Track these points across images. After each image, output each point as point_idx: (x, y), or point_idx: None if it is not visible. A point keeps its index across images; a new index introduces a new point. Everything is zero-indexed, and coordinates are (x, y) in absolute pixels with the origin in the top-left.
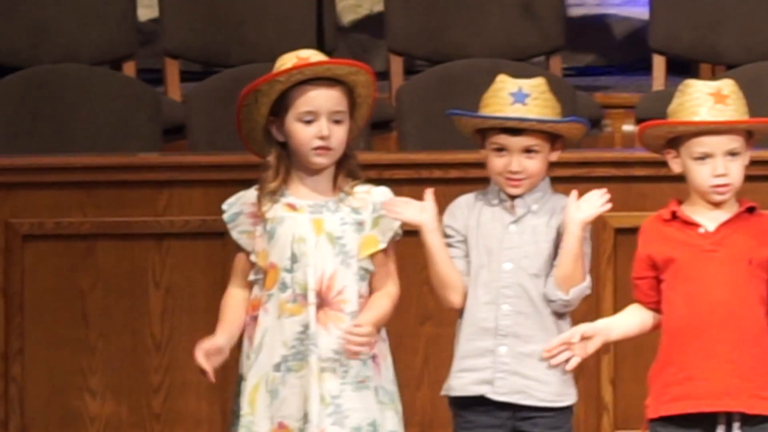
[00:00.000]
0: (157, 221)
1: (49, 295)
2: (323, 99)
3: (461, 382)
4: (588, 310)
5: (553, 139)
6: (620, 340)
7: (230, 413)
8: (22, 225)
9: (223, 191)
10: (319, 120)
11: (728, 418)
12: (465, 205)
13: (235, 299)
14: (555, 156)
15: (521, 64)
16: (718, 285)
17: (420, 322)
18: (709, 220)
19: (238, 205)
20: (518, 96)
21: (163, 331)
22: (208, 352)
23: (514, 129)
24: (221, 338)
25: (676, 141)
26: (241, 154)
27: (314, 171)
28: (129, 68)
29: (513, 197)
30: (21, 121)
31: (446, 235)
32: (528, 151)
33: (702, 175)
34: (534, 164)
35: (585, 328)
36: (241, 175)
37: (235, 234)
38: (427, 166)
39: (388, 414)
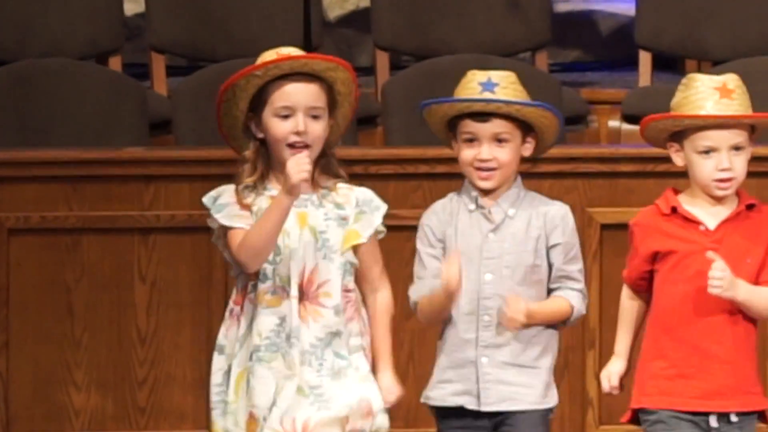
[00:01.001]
0: (143, 215)
1: (35, 289)
2: (300, 94)
3: (441, 393)
4: None
5: (525, 130)
6: (607, 337)
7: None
8: (8, 219)
9: (209, 186)
10: (295, 115)
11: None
12: (441, 210)
13: None
14: (527, 150)
15: (507, 59)
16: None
17: (405, 317)
18: (710, 216)
19: (225, 197)
20: (487, 85)
21: (149, 325)
22: None
23: (483, 115)
24: None
25: (679, 134)
26: (227, 149)
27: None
28: (115, 63)
29: (486, 194)
30: (7, 116)
31: (425, 235)
32: (498, 140)
33: (706, 169)
34: (504, 153)
35: (615, 378)
36: (227, 169)
37: (226, 220)
38: (412, 161)
39: (373, 387)
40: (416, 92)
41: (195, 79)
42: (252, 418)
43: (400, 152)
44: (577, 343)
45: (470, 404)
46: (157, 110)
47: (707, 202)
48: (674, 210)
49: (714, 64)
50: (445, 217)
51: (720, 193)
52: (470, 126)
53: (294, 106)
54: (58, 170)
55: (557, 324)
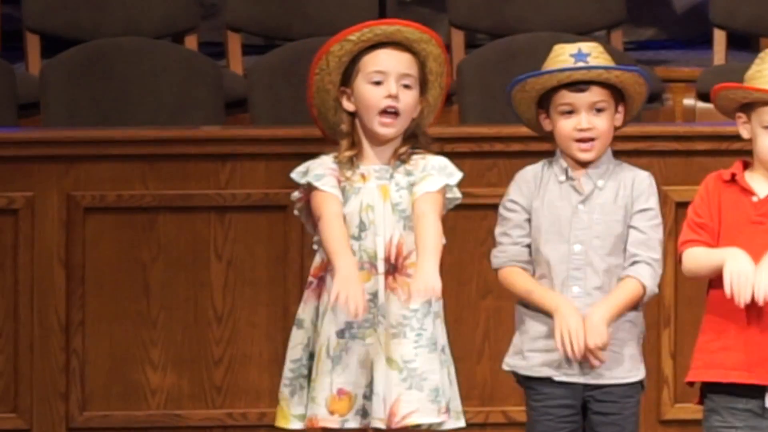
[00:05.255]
0: (219, 194)
1: (111, 268)
2: (393, 60)
3: (530, 363)
4: None
5: (617, 99)
6: (682, 315)
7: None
8: (84, 197)
9: (284, 164)
10: (387, 81)
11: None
12: (532, 178)
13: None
14: (618, 120)
15: (582, 38)
16: (760, 256)
17: (481, 296)
18: (765, 188)
19: (320, 168)
20: (579, 56)
21: (225, 304)
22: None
23: (581, 84)
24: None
25: (748, 107)
26: (303, 127)
27: (380, 143)
28: (191, 42)
29: (583, 165)
30: (83, 95)
31: (510, 210)
32: (597, 109)
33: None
34: (603, 122)
35: None
36: (302, 148)
37: (315, 180)
38: (488, 139)
39: (444, 373)
40: (491, 71)
41: (271, 57)
42: (344, 395)
43: (476, 130)
44: (653, 321)
45: (559, 376)
46: (232, 89)
47: (766, 175)
48: (733, 178)
49: None
50: (533, 187)
51: None
52: (568, 97)
53: (387, 71)
54: (134, 149)
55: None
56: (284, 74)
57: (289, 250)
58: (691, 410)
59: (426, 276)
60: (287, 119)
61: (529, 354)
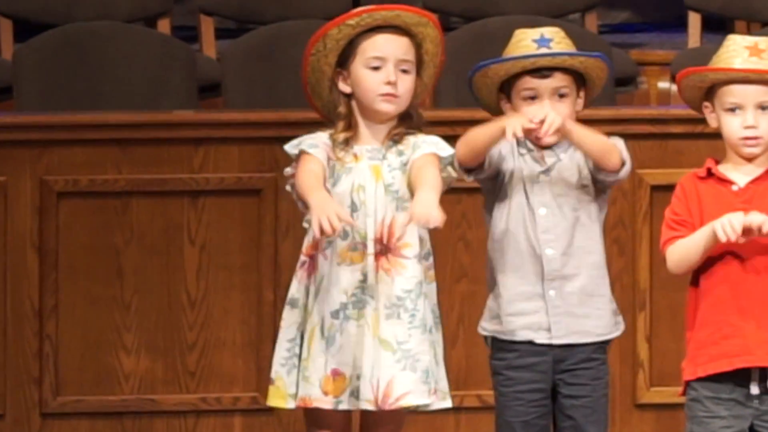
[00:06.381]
0: (193, 178)
1: (84, 253)
2: (392, 45)
3: (509, 327)
4: (624, 267)
5: (579, 85)
6: (657, 299)
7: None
8: (57, 182)
9: (258, 148)
10: (386, 66)
11: (762, 373)
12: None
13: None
14: (580, 105)
15: (557, 21)
16: (748, 244)
17: (455, 280)
18: (741, 175)
19: (314, 140)
20: (542, 41)
21: (198, 289)
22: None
23: (545, 71)
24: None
25: (711, 94)
26: (277, 111)
27: (379, 121)
28: (164, 26)
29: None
30: (56, 79)
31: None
32: (559, 95)
33: (732, 126)
34: (564, 107)
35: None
36: (277, 132)
37: (313, 150)
38: (462, 123)
39: (432, 354)
40: (465, 54)
41: (244, 41)
42: (338, 375)
43: (450, 114)
44: (628, 305)
45: (543, 339)
46: (206, 73)
47: (740, 162)
48: (709, 172)
49: (763, 25)
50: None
51: (747, 150)
52: (531, 83)
53: (385, 57)
54: (107, 133)
55: (605, 162)
56: (258, 58)
57: (262, 235)
58: (666, 394)
59: (425, 203)
60: (261, 103)
61: (507, 318)
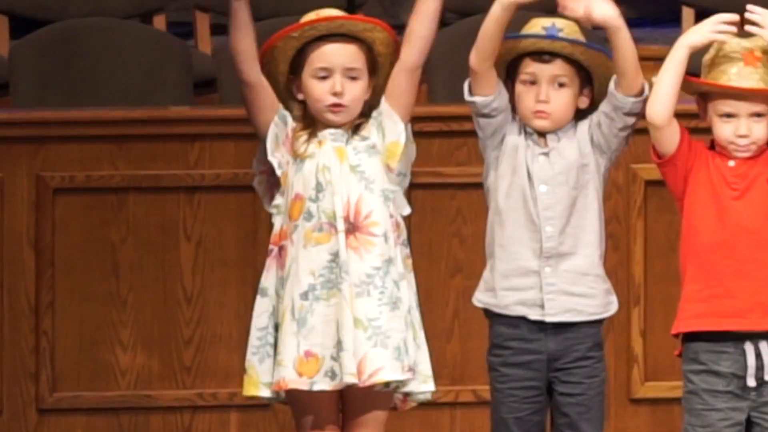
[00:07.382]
0: (189, 174)
1: (80, 249)
2: (337, 55)
3: (503, 302)
4: (618, 262)
5: (582, 79)
6: (652, 293)
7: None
8: (53, 178)
9: (254, 144)
10: (333, 76)
11: (756, 348)
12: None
13: None
14: (583, 103)
15: (550, 16)
16: (746, 206)
17: (450, 275)
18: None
19: (287, 119)
20: (551, 30)
21: (194, 284)
22: None
23: (546, 57)
24: None
25: (705, 94)
26: None
27: (334, 127)
28: (159, 22)
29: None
30: (51, 75)
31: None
32: (558, 84)
33: (725, 132)
34: (561, 97)
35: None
36: None
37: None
38: (457, 118)
39: (409, 336)
40: (460, 49)
41: None
42: (311, 357)
43: (445, 109)
44: (623, 299)
45: (536, 315)
46: (201, 69)
47: None
48: (712, 144)
49: None
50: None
51: (739, 154)
52: (531, 66)
53: (331, 67)
54: (103, 129)
55: (631, 79)
56: None
57: (258, 230)
58: (661, 388)
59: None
60: None
61: (501, 292)
